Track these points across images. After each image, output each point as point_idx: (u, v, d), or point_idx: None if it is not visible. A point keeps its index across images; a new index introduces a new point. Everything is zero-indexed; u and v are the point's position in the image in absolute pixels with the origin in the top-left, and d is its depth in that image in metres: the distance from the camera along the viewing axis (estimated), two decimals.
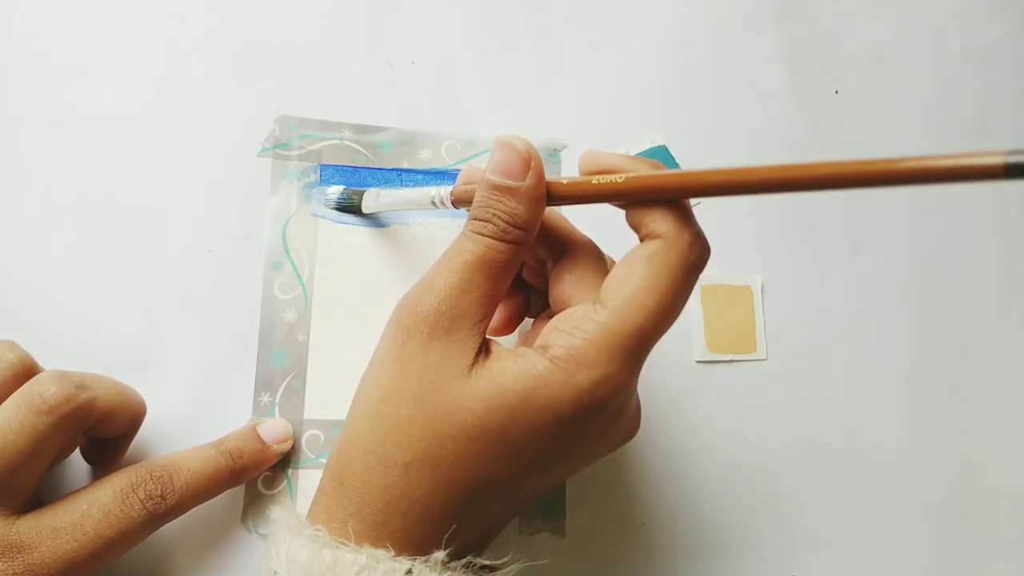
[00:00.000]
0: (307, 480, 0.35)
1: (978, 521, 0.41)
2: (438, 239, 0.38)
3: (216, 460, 0.30)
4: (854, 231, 0.44)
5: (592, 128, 0.42)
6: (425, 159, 0.39)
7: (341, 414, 0.35)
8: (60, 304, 0.35)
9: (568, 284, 0.28)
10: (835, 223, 0.44)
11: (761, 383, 0.40)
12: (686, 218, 0.25)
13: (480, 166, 0.28)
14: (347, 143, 0.39)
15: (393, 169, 0.39)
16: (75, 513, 0.27)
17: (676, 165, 0.42)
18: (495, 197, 0.25)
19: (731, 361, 0.40)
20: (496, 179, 0.25)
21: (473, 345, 0.25)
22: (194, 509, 0.31)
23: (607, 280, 0.25)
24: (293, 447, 0.35)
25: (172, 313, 0.35)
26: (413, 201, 0.34)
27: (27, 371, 0.28)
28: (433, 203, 0.32)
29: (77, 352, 0.34)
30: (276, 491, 0.34)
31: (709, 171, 0.24)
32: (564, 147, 0.41)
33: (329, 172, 0.38)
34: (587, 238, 0.30)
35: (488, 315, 0.26)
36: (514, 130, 0.40)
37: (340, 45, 0.40)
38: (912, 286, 0.44)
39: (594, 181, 0.25)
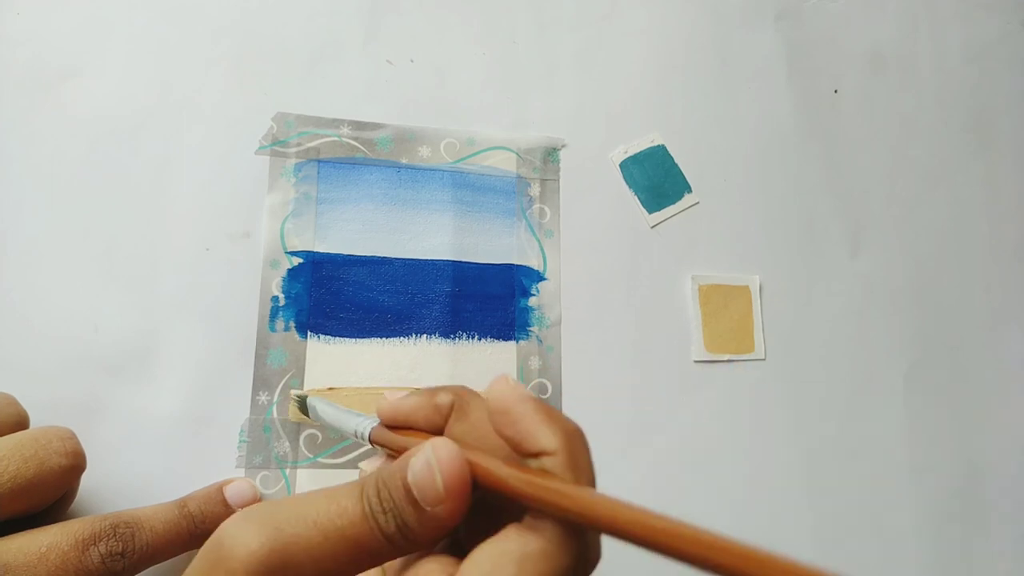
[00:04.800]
0: (305, 480, 0.35)
1: (978, 521, 0.42)
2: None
3: (178, 523, 0.29)
4: (853, 231, 0.44)
5: (590, 127, 0.42)
6: (424, 156, 0.39)
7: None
8: (58, 304, 0.34)
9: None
10: (834, 223, 0.44)
11: (759, 383, 0.40)
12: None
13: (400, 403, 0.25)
14: (345, 140, 0.39)
15: (392, 165, 0.39)
16: (31, 554, 0.25)
17: (675, 165, 0.42)
18: (401, 497, 0.21)
19: (729, 361, 0.40)
20: (411, 482, 0.20)
21: None
22: None
23: (474, 562, 0.20)
24: (291, 446, 0.35)
25: (170, 312, 0.35)
26: (342, 426, 0.30)
27: (20, 425, 0.28)
28: (355, 434, 0.28)
29: (76, 352, 0.34)
30: (274, 491, 0.34)
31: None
32: (563, 146, 0.41)
33: (327, 169, 0.38)
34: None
35: None
36: (513, 129, 0.40)
37: (339, 42, 0.40)
38: (911, 286, 0.44)
39: (514, 481, 0.20)
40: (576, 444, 0.21)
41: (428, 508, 0.20)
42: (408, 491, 0.20)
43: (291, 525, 0.20)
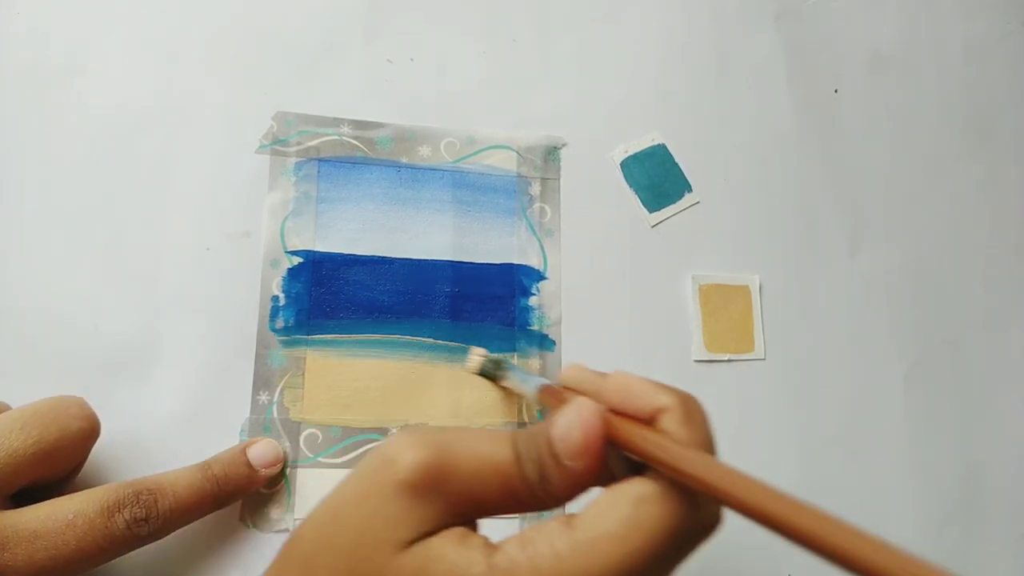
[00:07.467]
0: (305, 479, 0.34)
1: (978, 521, 0.42)
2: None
3: (201, 486, 0.30)
4: (852, 230, 0.44)
5: (591, 126, 0.42)
6: (424, 156, 0.39)
7: (339, 414, 0.36)
8: (59, 303, 0.34)
9: None
10: (833, 222, 0.44)
11: (759, 383, 0.40)
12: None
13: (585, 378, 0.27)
14: (346, 139, 0.39)
15: (392, 165, 0.39)
16: (59, 521, 0.26)
17: (675, 164, 0.42)
18: (545, 450, 0.22)
19: (729, 361, 0.40)
20: (556, 439, 0.22)
21: (433, 522, 0.21)
22: None
23: (594, 502, 0.21)
24: (291, 446, 0.35)
25: (171, 311, 0.35)
26: (520, 387, 0.35)
27: None
28: (528, 391, 0.33)
29: (76, 351, 0.34)
30: (274, 490, 0.34)
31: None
32: (564, 145, 0.41)
33: (328, 168, 0.38)
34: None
35: (476, 518, 0.23)
36: (513, 128, 0.40)
37: (339, 41, 0.40)
38: (911, 285, 0.44)
39: (652, 447, 0.22)
40: (691, 403, 0.23)
41: (567, 462, 0.21)
42: (551, 444, 0.22)
43: (453, 447, 0.22)
